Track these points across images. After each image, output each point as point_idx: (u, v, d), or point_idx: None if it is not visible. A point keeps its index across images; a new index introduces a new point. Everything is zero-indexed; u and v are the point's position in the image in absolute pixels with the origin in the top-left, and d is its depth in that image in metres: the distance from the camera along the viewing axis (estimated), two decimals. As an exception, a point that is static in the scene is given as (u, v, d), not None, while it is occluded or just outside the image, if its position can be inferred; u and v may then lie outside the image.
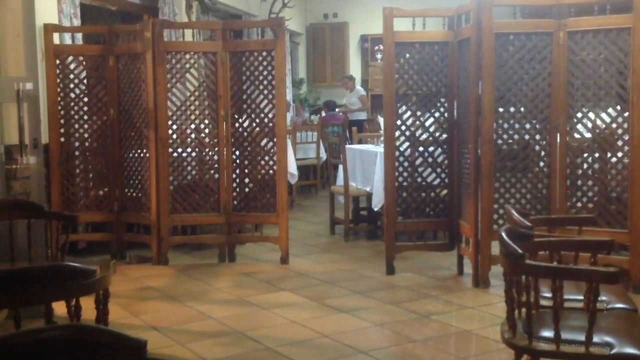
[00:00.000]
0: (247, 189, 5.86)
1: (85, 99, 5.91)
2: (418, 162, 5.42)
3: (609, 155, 4.79)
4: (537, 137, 4.97)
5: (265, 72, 5.73)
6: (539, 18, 4.98)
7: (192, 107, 5.83)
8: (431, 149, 5.42)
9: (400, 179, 5.38)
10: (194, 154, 5.85)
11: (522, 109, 4.95)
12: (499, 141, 4.96)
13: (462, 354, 3.83)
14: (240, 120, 5.82)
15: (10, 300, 2.31)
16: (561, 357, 2.52)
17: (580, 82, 4.82)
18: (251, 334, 4.08)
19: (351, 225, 6.77)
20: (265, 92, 5.75)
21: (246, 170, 5.83)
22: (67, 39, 6.05)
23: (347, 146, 7.04)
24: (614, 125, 4.74)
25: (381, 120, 7.83)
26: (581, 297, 2.92)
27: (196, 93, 5.85)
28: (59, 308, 2.84)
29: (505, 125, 4.96)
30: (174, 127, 5.78)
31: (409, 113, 5.40)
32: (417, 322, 4.29)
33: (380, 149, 6.23)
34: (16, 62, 5.05)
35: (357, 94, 11.39)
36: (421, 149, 5.41)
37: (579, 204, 4.86)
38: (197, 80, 5.90)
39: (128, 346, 1.47)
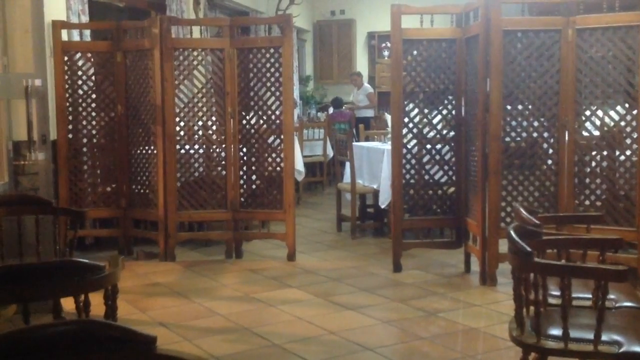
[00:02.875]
0: (254, 186, 5.86)
1: (93, 96, 5.92)
2: (425, 159, 5.42)
3: (617, 153, 4.77)
4: (545, 134, 4.95)
5: (272, 69, 5.72)
6: (548, 15, 4.96)
7: (200, 104, 5.83)
8: (438, 146, 5.41)
9: (408, 176, 5.37)
10: (201, 150, 5.85)
11: (530, 107, 4.93)
12: (507, 139, 4.95)
13: (469, 351, 3.82)
14: (248, 117, 5.82)
15: (19, 295, 2.32)
16: (569, 355, 2.52)
17: (588, 79, 4.80)
18: (258, 331, 4.08)
19: (358, 222, 6.77)
20: (273, 89, 5.75)
21: (253, 167, 5.84)
22: (75, 35, 6.06)
23: (354, 143, 7.03)
24: (623, 123, 4.72)
25: (388, 117, 7.82)
26: (589, 296, 2.92)
27: (203, 90, 5.85)
28: (68, 304, 2.84)
29: (513, 123, 4.95)
30: (182, 123, 5.79)
31: (416, 110, 5.39)
32: (424, 319, 4.29)
33: (387, 146, 6.22)
34: (25, 59, 5.07)
35: (364, 92, 11.37)
36: (428, 146, 5.40)
37: (587, 202, 4.84)
38: (205, 77, 5.91)
39: (138, 341, 1.47)
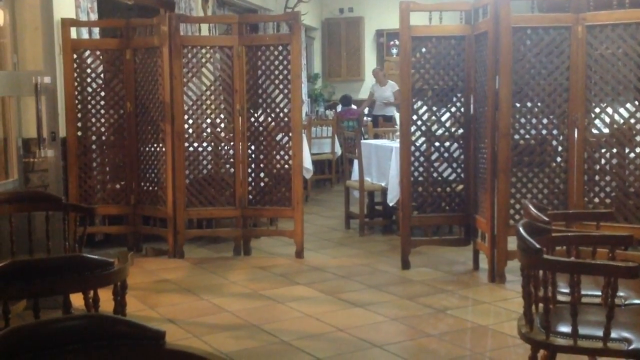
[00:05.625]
0: (262, 183, 5.87)
1: (102, 93, 5.94)
2: (434, 157, 5.41)
3: (627, 150, 4.75)
4: (555, 131, 4.94)
5: (281, 67, 5.72)
6: (557, 12, 4.94)
7: (208, 102, 5.84)
8: (447, 144, 5.40)
9: (416, 173, 5.36)
10: (209, 148, 5.86)
11: (539, 104, 4.92)
12: (516, 136, 4.94)
13: (478, 349, 3.81)
14: (256, 115, 5.83)
15: (29, 291, 2.33)
16: (579, 352, 2.51)
17: (598, 76, 4.78)
18: (266, 327, 4.09)
19: (366, 219, 6.76)
20: (281, 86, 5.75)
21: (261, 165, 5.85)
22: (84, 33, 6.08)
23: (363, 141, 7.03)
24: (632, 120, 4.70)
25: (397, 115, 7.81)
26: (599, 293, 2.91)
27: (212, 87, 5.86)
28: (77, 300, 2.85)
29: (523, 120, 4.93)
30: (190, 121, 5.80)
31: (425, 108, 5.38)
32: (433, 316, 4.29)
33: (395, 143, 6.22)
34: (34, 56, 5.09)
35: (392, 88, 10.83)
36: (437, 144, 5.39)
37: (597, 199, 4.82)
38: (213, 75, 5.91)
39: (147, 337, 1.47)
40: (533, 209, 3.05)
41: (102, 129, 5.94)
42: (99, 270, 2.35)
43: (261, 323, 4.17)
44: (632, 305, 2.85)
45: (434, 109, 5.40)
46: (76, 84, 5.83)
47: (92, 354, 1.45)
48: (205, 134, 5.86)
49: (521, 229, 2.58)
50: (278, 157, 5.79)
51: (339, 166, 9.67)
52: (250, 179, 5.86)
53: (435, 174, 5.40)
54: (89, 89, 5.89)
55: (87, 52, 5.87)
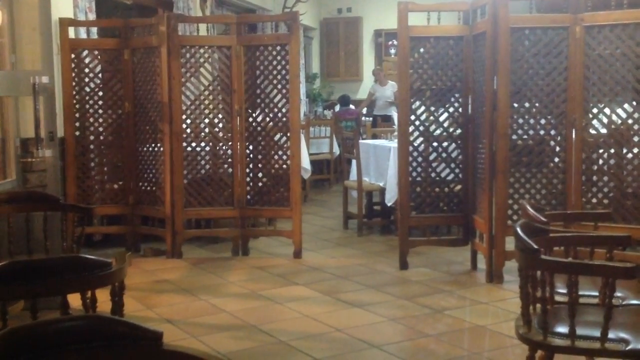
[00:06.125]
0: (260, 183, 5.87)
1: (101, 93, 5.93)
2: (432, 157, 5.41)
3: (625, 150, 4.75)
4: (553, 132, 4.94)
5: (279, 67, 5.72)
6: (555, 12, 4.95)
7: (206, 102, 5.84)
8: (445, 144, 5.40)
9: (414, 174, 5.36)
10: (207, 148, 5.86)
11: (537, 104, 4.92)
12: (514, 136, 4.94)
13: (476, 349, 3.82)
14: (254, 115, 5.83)
15: (27, 291, 2.33)
16: (576, 352, 2.51)
17: (596, 77, 4.78)
18: (264, 328, 4.09)
19: (364, 220, 6.77)
20: (279, 86, 5.75)
21: (260, 165, 5.84)
22: (83, 33, 6.07)
23: (361, 141, 7.03)
24: (630, 121, 4.70)
25: (395, 115, 7.81)
26: (596, 293, 2.91)
27: (210, 87, 5.86)
28: (74, 301, 2.85)
29: (521, 120, 4.94)
30: (188, 121, 5.80)
31: (423, 108, 5.39)
32: (431, 317, 4.29)
33: (394, 144, 6.22)
34: (32, 56, 5.09)
35: (393, 88, 10.68)
36: (435, 144, 5.39)
37: (595, 200, 4.82)
38: (211, 75, 5.91)
39: (144, 337, 1.47)
40: (531, 210, 3.05)
41: (101, 129, 5.94)
42: (97, 270, 2.35)
43: (259, 323, 4.17)
44: (630, 305, 2.86)
45: (432, 109, 5.40)
46: (74, 83, 5.82)
47: (90, 355, 1.45)
48: (203, 134, 5.86)
49: (519, 230, 2.58)
50: (276, 157, 5.79)
51: (337, 166, 9.67)
52: (248, 179, 5.86)
53: (433, 174, 5.40)
54: (87, 89, 5.89)
55: (85, 52, 5.86)
